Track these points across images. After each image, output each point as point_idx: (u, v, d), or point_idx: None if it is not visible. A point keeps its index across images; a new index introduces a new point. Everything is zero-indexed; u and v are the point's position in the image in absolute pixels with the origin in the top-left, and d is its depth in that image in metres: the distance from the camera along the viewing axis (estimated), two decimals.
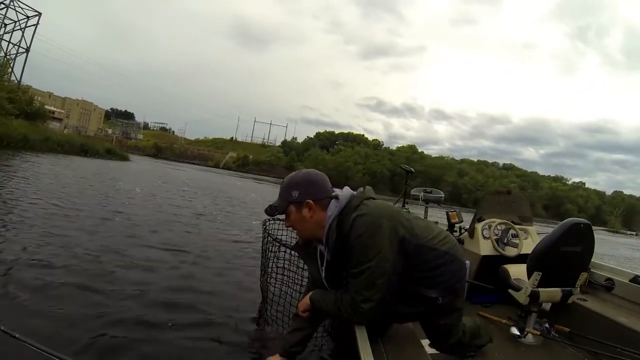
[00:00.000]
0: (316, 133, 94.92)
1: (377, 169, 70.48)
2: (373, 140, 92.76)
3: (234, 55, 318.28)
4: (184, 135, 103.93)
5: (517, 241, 3.34)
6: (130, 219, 6.78)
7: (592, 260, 2.85)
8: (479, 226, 3.40)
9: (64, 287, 3.19)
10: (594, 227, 2.60)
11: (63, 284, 3.26)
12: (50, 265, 3.68)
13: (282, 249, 2.92)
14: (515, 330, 2.69)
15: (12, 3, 40.18)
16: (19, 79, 39.20)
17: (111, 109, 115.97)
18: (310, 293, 1.84)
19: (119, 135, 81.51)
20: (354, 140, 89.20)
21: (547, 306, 2.74)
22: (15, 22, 41.02)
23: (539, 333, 2.58)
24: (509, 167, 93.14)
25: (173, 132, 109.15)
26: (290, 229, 1.85)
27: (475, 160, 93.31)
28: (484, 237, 3.36)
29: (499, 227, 3.42)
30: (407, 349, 1.83)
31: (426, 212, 3.96)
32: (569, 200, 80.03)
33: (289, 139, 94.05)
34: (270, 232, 3.13)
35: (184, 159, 73.65)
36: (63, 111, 67.40)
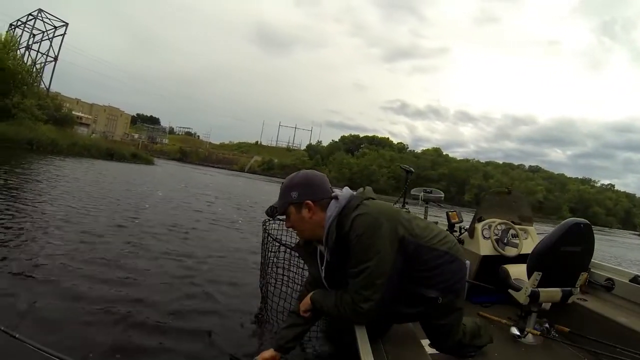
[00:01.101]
0: (341, 136, 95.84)
1: (402, 172, 69.88)
2: (398, 143, 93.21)
3: (257, 60, 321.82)
4: (209, 140, 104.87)
5: (517, 241, 3.34)
6: (147, 221, 6.85)
7: (592, 260, 2.85)
8: (479, 226, 3.41)
9: (68, 288, 3.20)
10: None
11: (71, 283, 3.29)
12: (62, 264, 3.75)
13: (282, 248, 2.94)
14: (515, 330, 2.69)
15: (40, 14, 41.97)
16: (47, 86, 40.61)
17: (137, 114, 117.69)
18: (311, 293, 1.84)
19: (144, 140, 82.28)
20: (378, 143, 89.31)
21: (547, 306, 2.73)
22: (43, 32, 42.79)
23: (539, 333, 2.58)
24: (535, 170, 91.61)
25: (198, 136, 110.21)
26: (290, 229, 1.85)
27: (501, 162, 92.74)
28: (484, 237, 3.36)
29: (499, 227, 3.42)
30: (407, 349, 1.83)
31: (426, 212, 3.96)
32: (597, 203, 78.04)
33: (313, 142, 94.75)
34: (270, 232, 3.15)
35: (208, 163, 74.03)
36: (91, 117, 69.12)
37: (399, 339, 1.89)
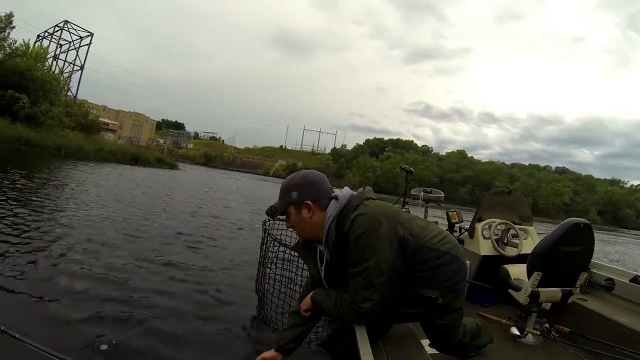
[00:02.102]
0: (365, 140, 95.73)
1: (426, 175, 69.25)
2: (422, 146, 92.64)
3: (280, 65, 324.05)
4: (234, 144, 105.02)
5: (517, 241, 3.34)
6: (164, 224, 6.89)
7: (592, 260, 2.85)
8: (479, 226, 3.41)
9: (69, 287, 3.20)
10: None
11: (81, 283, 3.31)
12: (74, 264, 3.80)
13: (282, 249, 2.94)
14: (515, 330, 2.70)
15: (66, 25, 43.68)
16: (75, 94, 41.89)
17: (162, 120, 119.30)
18: (312, 293, 1.84)
19: (169, 145, 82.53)
20: (403, 146, 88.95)
21: (547, 306, 2.73)
22: (70, 42, 44.49)
23: (539, 333, 2.58)
24: (561, 171, 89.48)
25: (223, 141, 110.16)
26: (291, 229, 1.86)
27: (527, 164, 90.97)
28: (484, 237, 3.36)
29: (499, 227, 3.42)
30: (407, 349, 1.83)
31: (426, 212, 3.97)
32: (627, 204, 75.43)
33: (338, 146, 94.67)
34: (269, 232, 3.16)
35: (233, 167, 73.94)
36: (117, 123, 70.40)
37: (399, 339, 1.90)
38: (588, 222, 2.52)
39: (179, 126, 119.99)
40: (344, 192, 1.75)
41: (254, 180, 37.62)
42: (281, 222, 3.33)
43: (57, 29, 43.69)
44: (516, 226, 3.46)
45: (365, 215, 1.60)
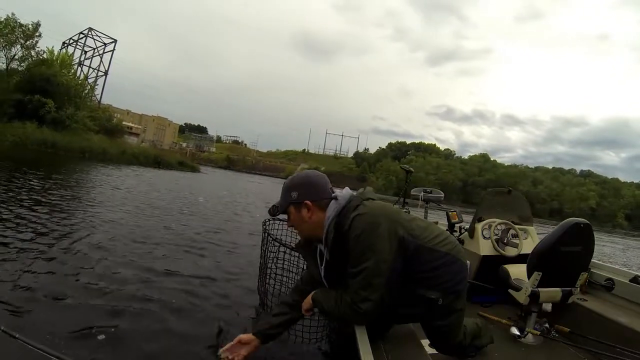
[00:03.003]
0: (388, 144, 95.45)
1: (449, 179, 68.59)
2: (445, 149, 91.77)
3: (302, 69, 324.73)
4: (256, 148, 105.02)
5: (517, 241, 3.33)
6: (180, 225, 6.94)
7: (592, 260, 2.85)
8: (479, 226, 3.41)
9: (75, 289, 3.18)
10: None
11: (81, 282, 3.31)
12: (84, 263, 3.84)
13: (282, 249, 2.94)
14: (515, 330, 2.69)
15: (90, 33, 45.15)
16: (99, 99, 43.05)
17: (185, 123, 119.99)
18: (313, 292, 1.84)
19: (192, 149, 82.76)
20: (425, 150, 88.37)
21: (547, 306, 2.72)
22: (94, 49, 45.95)
23: (539, 333, 2.58)
24: (586, 174, 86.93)
25: (245, 145, 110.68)
26: (292, 228, 1.86)
27: (550, 167, 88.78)
28: (484, 237, 3.36)
29: (499, 227, 3.42)
30: (407, 349, 1.83)
31: (426, 212, 3.98)
32: None
33: (360, 150, 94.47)
34: (269, 232, 3.16)
35: (255, 170, 73.73)
36: (140, 126, 71.60)
37: (399, 339, 1.90)
38: (588, 222, 2.51)
39: (201, 130, 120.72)
40: (343, 193, 1.76)
41: (275, 183, 37.58)
42: (281, 222, 3.37)
43: (81, 36, 45.29)
44: (516, 226, 3.46)
45: (365, 215, 1.61)
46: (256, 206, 13.45)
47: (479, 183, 68.06)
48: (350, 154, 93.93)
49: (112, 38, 46.42)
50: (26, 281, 3.15)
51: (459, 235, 3.63)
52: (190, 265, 4.44)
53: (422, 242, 1.67)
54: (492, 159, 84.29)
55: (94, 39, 45.70)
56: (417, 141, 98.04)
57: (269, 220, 3.28)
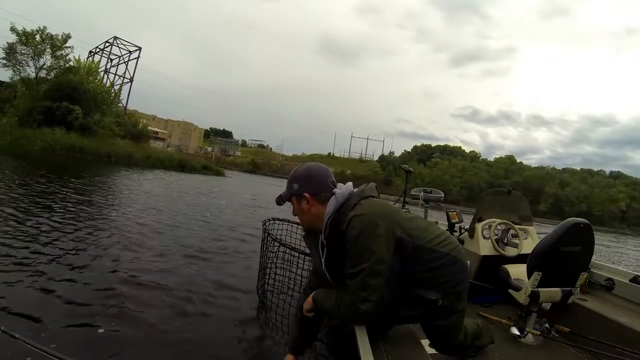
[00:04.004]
0: (413, 146, 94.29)
1: (475, 181, 67.14)
2: (470, 152, 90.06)
3: (325, 72, 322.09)
4: (281, 152, 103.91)
5: (517, 241, 3.33)
6: (196, 227, 7.01)
7: (592, 260, 2.84)
8: (479, 226, 3.40)
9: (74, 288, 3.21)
10: None
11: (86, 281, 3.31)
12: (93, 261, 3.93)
13: (282, 249, 2.96)
14: (515, 330, 2.70)
15: (115, 41, 46.24)
16: (125, 105, 44.20)
17: (210, 128, 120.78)
18: (313, 293, 1.85)
19: (217, 153, 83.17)
20: (450, 152, 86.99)
21: (547, 306, 2.73)
22: (119, 57, 46.92)
23: (539, 333, 2.58)
24: (616, 175, 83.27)
25: (270, 149, 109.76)
26: (292, 228, 1.92)
27: (579, 169, 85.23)
28: (484, 237, 3.36)
29: (499, 227, 3.41)
30: (407, 349, 1.83)
31: (426, 212, 3.97)
32: None
33: (386, 153, 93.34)
34: (270, 232, 3.17)
35: (281, 174, 73.78)
36: (166, 131, 72.72)
37: (399, 339, 1.90)
38: (588, 222, 2.50)
39: (226, 134, 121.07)
40: (342, 190, 1.76)
41: None
42: (281, 222, 3.42)
43: (107, 44, 46.38)
44: (516, 226, 3.45)
45: (362, 216, 1.61)
46: (280, 209, 13.35)
47: (505, 185, 66.30)
48: (376, 157, 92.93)
49: (136, 46, 47.57)
50: (34, 282, 3.20)
51: (459, 235, 3.63)
52: (195, 266, 4.49)
53: (422, 243, 1.67)
54: (518, 161, 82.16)
55: (119, 47, 46.85)
56: (442, 144, 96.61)
57: (269, 220, 3.31)
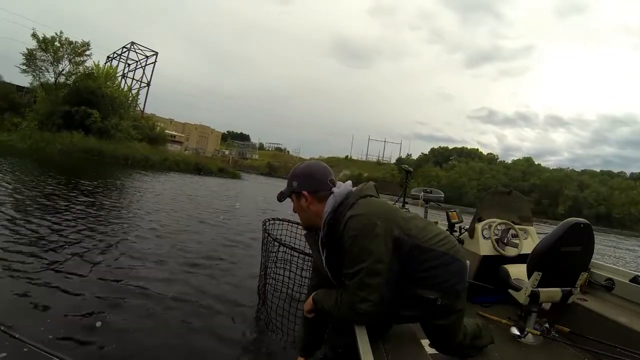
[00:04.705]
0: (430, 149, 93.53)
1: (492, 184, 65.91)
2: (487, 154, 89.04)
3: (340, 74, 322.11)
4: (299, 155, 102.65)
5: (517, 241, 3.32)
6: (211, 228, 7.13)
7: (592, 260, 2.84)
8: (479, 226, 3.40)
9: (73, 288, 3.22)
10: None
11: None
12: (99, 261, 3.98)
13: (282, 249, 2.96)
14: (515, 330, 2.70)
15: (132, 47, 46.93)
16: (142, 108, 44.92)
17: (227, 131, 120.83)
18: (313, 293, 1.85)
19: (235, 156, 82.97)
20: (467, 155, 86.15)
21: (547, 306, 2.73)
22: (137, 61, 47.59)
23: (539, 333, 2.58)
24: (637, 177, 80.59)
25: (288, 152, 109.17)
26: (292, 228, 1.92)
27: (598, 170, 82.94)
28: (484, 237, 3.35)
29: (499, 227, 3.41)
30: (407, 349, 1.83)
31: (426, 212, 3.97)
32: None
33: (403, 155, 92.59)
34: (270, 232, 3.16)
35: None
36: (183, 135, 73.21)
37: (399, 339, 1.90)
38: (588, 222, 2.50)
39: (244, 137, 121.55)
40: (340, 189, 1.75)
41: None
42: (281, 222, 3.43)
43: (124, 50, 47.22)
44: (516, 226, 3.45)
45: (360, 216, 1.60)
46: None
47: (523, 188, 64.50)
48: (393, 160, 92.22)
49: (153, 51, 48.21)
50: (34, 282, 3.21)
51: (459, 235, 3.63)
52: (197, 267, 4.51)
53: (420, 242, 1.66)
54: (536, 163, 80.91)
55: (136, 52, 47.65)
56: (459, 146, 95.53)
57: (269, 220, 3.32)
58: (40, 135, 25.05)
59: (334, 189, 1.74)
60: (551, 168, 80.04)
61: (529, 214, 3.73)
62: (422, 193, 4.07)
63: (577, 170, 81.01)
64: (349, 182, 1.83)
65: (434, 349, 1.96)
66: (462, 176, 69.61)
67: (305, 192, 1.75)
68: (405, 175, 4.28)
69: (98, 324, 2.70)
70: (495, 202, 3.63)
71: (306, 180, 1.78)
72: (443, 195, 4.14)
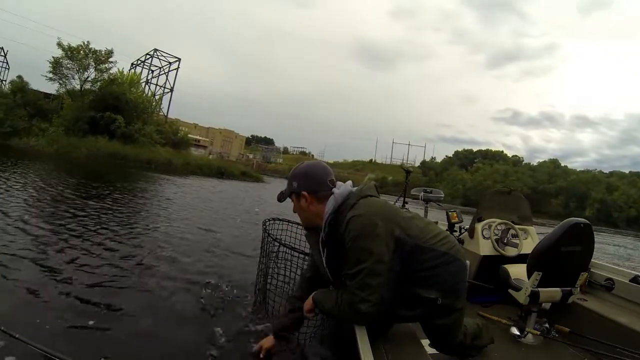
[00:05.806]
0: (455, 152, 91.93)
1: (517, 187, 64.85)
2: (512, 156, 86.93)
3: (364, 78, 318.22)
4: (323, 158, 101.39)
5: (517, 241, 3.32)
6: (230, 231, 7.10)
7: (592, 260, 2.84)
8: (479, 226, 3.40)
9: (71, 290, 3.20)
10: None
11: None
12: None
13: (282, 249, 2.95)
14: (515, 330, 2.70)
15: (156, 53, 47.68)
16: (166, 113, 45.87)
17: (252, 135, 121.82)
18: (314, 293, 1.85)
19: (259, 160, 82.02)
20: (492, 157, 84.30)
21: (547, 306, 2.72)
22: (160, 68, 48.40)
23: (539, 333, 2.58)
24: None
25: (312, 155, 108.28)
26: (292, 228, 1.95)
27: (627, 171, 79.37)
28: (484, 237, 3.35)
29: (499, 227, 3.41)
30: (407, 349, 1.83)
31: (426, 212, 3.98)
32: None
33: (427, 159, 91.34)
34: (270, 232, 3.15)
35: None
36: (207, 139, 73.85)
37: (399, 339, 1.90)
38: (588, 222, 2.50)
39: (268, 142, 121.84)
40: (341, 190, 1.76)
41: None
42: (281, 222, 3.42)
43: (148, 57, 48.14)
44: (516, 226, 3.45)
45: (361, 216, 1.61)
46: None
47: (549, 190, 63.01)
48: (417, 163, 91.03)
49: (176, 57, 48.98)
50: (34, 282, 3.20)
51: (459, 235, 3.63)
52: (199, 267, 4.49)
53: (420, 242, 1.67)
54: (562, 165, 78.24)
55: (160, 59, 48.55)
56: (483, 148, 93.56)
57: (269, 220, 3.33)
58: (67, 140, 26.00)
59: (334, 190, 1.75)
60: (578, 170, 77.58)
61: (529, 214, 3.73)
62: (422, 193, 4.07)
63: (605, 171, 78.37)
64: (349, 182, 1.84)
65: (434, 349, 1.96)
66: (486, 179, 68.20)
67: (305, 193, 1.76)
68: (405, 175, 4.29)
69: (99, 325, 2.69)
70: (495, 202, 3.62)
71: (306, 180, 1.79)
72: (443, 195, 4.15)
